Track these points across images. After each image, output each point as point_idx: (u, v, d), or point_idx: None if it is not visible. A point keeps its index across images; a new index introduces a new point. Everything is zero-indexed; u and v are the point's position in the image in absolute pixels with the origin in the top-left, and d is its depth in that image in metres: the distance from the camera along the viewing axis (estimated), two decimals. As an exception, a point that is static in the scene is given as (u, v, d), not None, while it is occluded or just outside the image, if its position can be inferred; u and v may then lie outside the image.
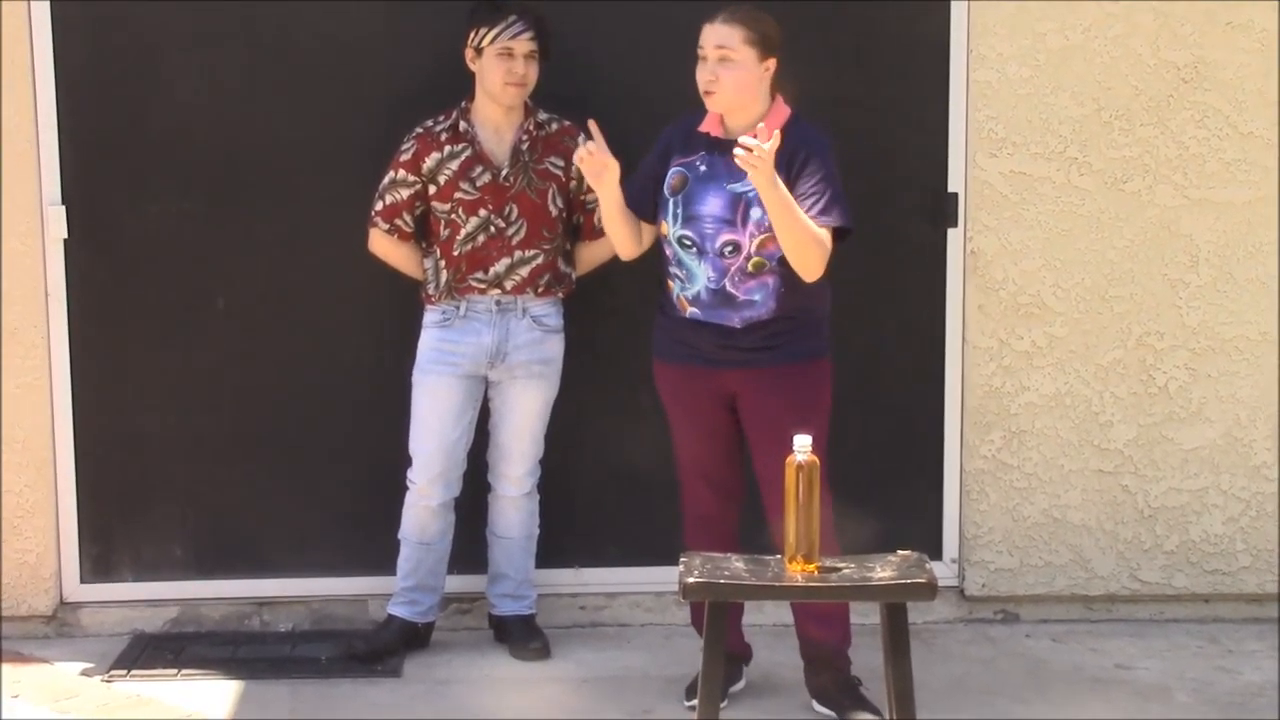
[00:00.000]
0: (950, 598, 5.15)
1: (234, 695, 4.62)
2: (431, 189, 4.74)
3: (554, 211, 4.77)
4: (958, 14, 5.00)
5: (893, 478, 5.08)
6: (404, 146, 4.76)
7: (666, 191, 4.36)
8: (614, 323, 5.07)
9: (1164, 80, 4.99)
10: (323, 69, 5.00)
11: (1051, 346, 5.08)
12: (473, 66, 4.71)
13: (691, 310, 4.34)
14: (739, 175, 4.21)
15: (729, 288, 4.29)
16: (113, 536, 5.10)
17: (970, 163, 5.03)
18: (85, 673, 4.78)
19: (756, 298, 4.29)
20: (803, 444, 3.67)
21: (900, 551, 3.84)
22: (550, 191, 4.76)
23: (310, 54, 5.00)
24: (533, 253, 4.73)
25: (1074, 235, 5.04)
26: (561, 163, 4.77)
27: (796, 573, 3.68)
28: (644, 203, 4.44)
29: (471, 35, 4.68)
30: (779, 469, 4.21)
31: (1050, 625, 5.16)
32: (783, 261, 4.25)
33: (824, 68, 5.02)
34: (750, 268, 4.27)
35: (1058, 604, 5.20)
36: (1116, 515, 5.15)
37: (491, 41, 4.65)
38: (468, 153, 4.73)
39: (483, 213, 4.72)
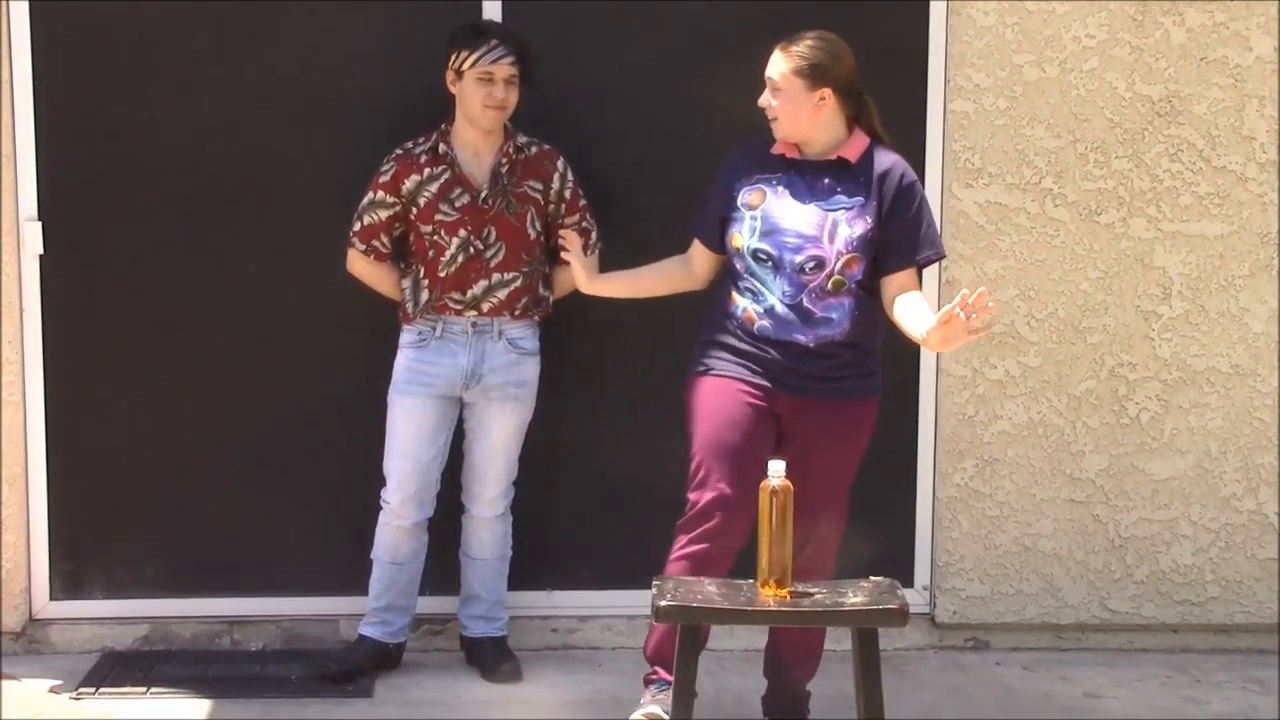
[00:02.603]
0: (921, 625, 5.17)
1: (204, 714, 4.61)
2: (413, 211, 4.75)
3: (532, 234, 4.78)
4: (935, 45, 5.04)
5: (865, 504, 5.08)
6: (383, 168, 4.77)
7: (742, 207, 4.32)
8: (590, 346, 5.08)
9: (1139, 114, 5.04)
10: (304, 88, 5.01)
11: (1025, 376, 5.11)
12: (453, 89, 4.72)
13: (760, 325, 4.28)
14: (822, 195, 4.26)
15: (806, 303, 4.25)
16: (84, 553, 5.09)
17: (946, 192, 5.06)
18: (54, 690, 4.75)
19: (834, 316, 4.25)
20: (776, 469, 3.69)
21: (872, 578, 3.85)
22: (529, 215, 4.77)
23: (292, 73, 5.00)
24: (511, 275, 4.74)
25: (1048, 266, 5.08)
26: (540, 186, 4.79)
27: (769, 597, 3.69)
28: (711, 227, 4.42)
29: (453, 58, 4.70)
30: (812, 498, 4.14)
31: (1020, 654, 5.18)
32: (861, 284, 4.26)
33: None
34: (830, 286, 4.24)
35: (1028, 632, 5.22)
36: (1087, 545, 5.17)
37: (472, 65, 4.66)
38: (447, 175, 4.74)
39: (462, 234, 4.73)
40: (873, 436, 4.39)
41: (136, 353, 5.04)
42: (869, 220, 4.24)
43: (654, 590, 3.76)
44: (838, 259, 4.23)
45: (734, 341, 4.33)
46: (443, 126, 4.77)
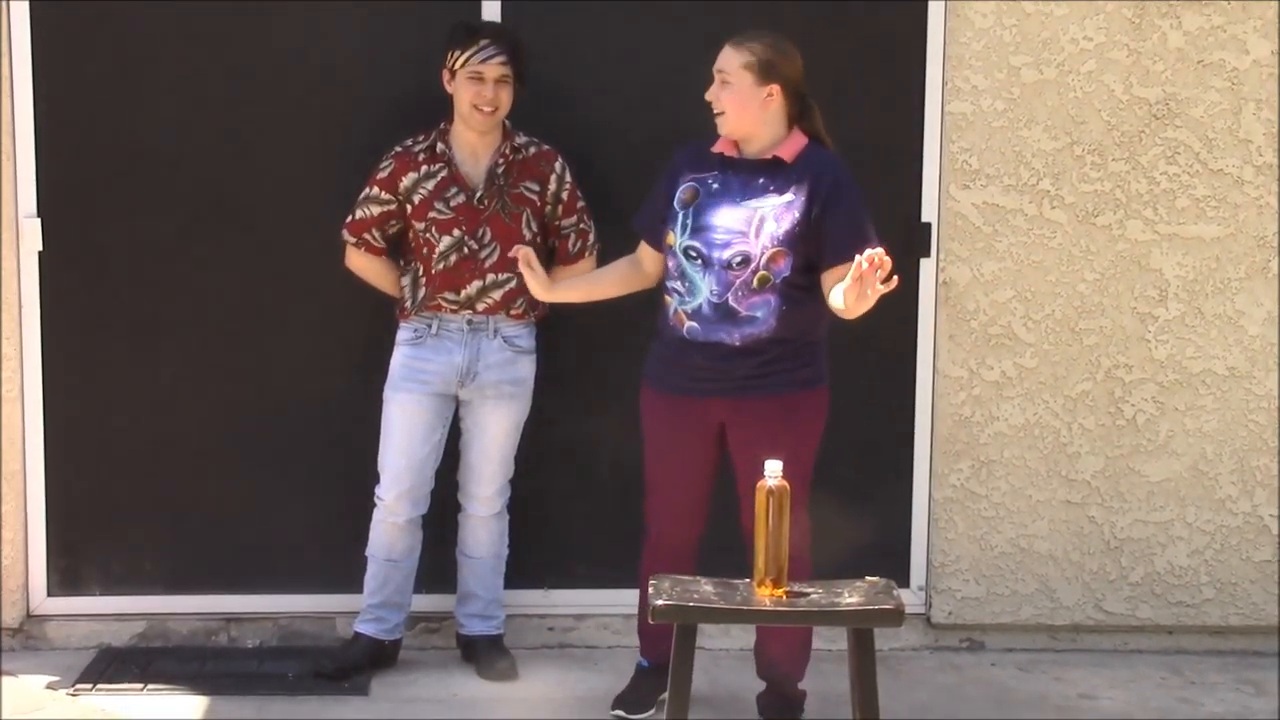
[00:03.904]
0: (917, 625, 5.18)
1: (200, 711, 4.61)
2: (408, 207, 4.76)
3: (527, 236, 4.78)
4: (934, 46, 5.05)
5: (862, 505, 5.10)
6: (382, 164, 4.78)
7: (676, 205, 4.38)
8: (586, 344, 5.08)
9: (1136, 116, 5.05)
10: (303, 86, 5.02)
11: (1021, 377, 5.12)
12: (449, 89, 4.73)
13: (690, 325, 4.33)
14: (754, 192, 4.30)
15: (731, 302, 4.29)
16: (81, 550, 5.09)
17: (944, 194, 5.07)
18: (51, 686, 4.76)
19: (759, 314, 4.29)
20: (773, 469, 3.69)
21: (868, 578, 3.86)
22: (524, 215, 4.77)
23: (291, 71, 5.01)
24: (505, 276, 4.74)
25: (1045, 267, 5.08)
26: (536, 187, 4.79)
27: (765, 597, 3.70)
28: (655, 225, 4.47)
29: (448, 57, 4.71)
30: None
31: (1015, 654, 5.19)
32: (790, 280, 4.29)
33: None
34: (755, 282, 4.28)
35: (1023, 633, 5.23)
36: (1083, 546, 5.18)
37: (463, 64, 4.67)
38: (444, 173, 4.75)
39: (456, 233, 4.73)
40: (822, 432, 4.42)
41: (135, 349, 5.05)
42: (797, 215, 4.28)
43: (650, 589, 3.76)
44: (763, 254, 4.27)
45: (668, 350, 4.41)
46: (442, 125, 4.78)
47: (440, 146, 4.75)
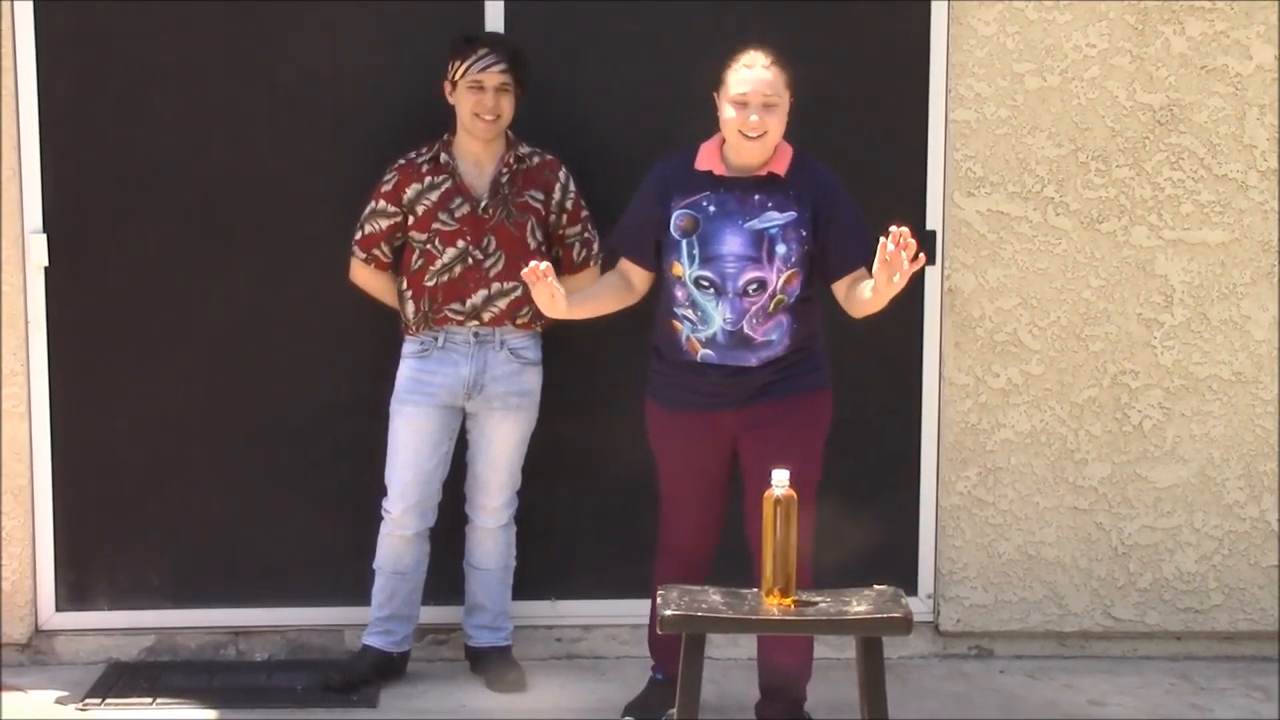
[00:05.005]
0: (925, 633, 5.17)
1: (209, 724, 4.63)
2: (410, 219, 4.76)
3: (533, 244, 4.79)
4: (937, 54, 5.05)
5: (869, 513, 5.10)
6: (386, 177, 4.79)
7: (676, 234, 4.33)
8: (592, 355, 5.09)
9: (1140, 122, 5.05)
10: (307, 99, 5.02)
11: (1027, 384, 5.12)
12: (451, 99, 4.74)
13: (704, 352, 4.32)
14: (754, 212, 4.26)
15: (746, 330, 4.28)
16: (89, 564, 5.10)
17: (948, 201, 5.07)
18: (60, 701, 4.76)
19: (773, 337, 4.31)
20: (780, 479, 3.69)
21: (876, 586, 3.86)
22: (529, 224, 4.78)
23: (296, 83, 5.02)
24: (511, 285, 4.75)
25: (1050, 274, 5.09)
26: (541, 196, 4.80)
27: (773, 606, 3.70)
28: (643, 247, 4.42)
29: (449, 69, 4.72)
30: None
31: (1024, 661, 5.18)
32: (798, 297, 4.31)
33: (804, 104, 5.06)
34: (772, 307, 4.28)
35: (1032, 640, 5.22)
36: (1091, 552, 5.18)
37: (463, 74, 4.68)
38: (448, 184, 4.75)
39: (460, 244, 4.74)
40: (828, 432, 4.45)
41: (141, 364, 5.05)
42: (804, 234, 4.28)
43: (659, 599, 3.76)
44: (778, 277, 4.27)
45: (677, 371, 4.38)
46: (445, 137, 4.79)
47: (444, 157, 4.76)
